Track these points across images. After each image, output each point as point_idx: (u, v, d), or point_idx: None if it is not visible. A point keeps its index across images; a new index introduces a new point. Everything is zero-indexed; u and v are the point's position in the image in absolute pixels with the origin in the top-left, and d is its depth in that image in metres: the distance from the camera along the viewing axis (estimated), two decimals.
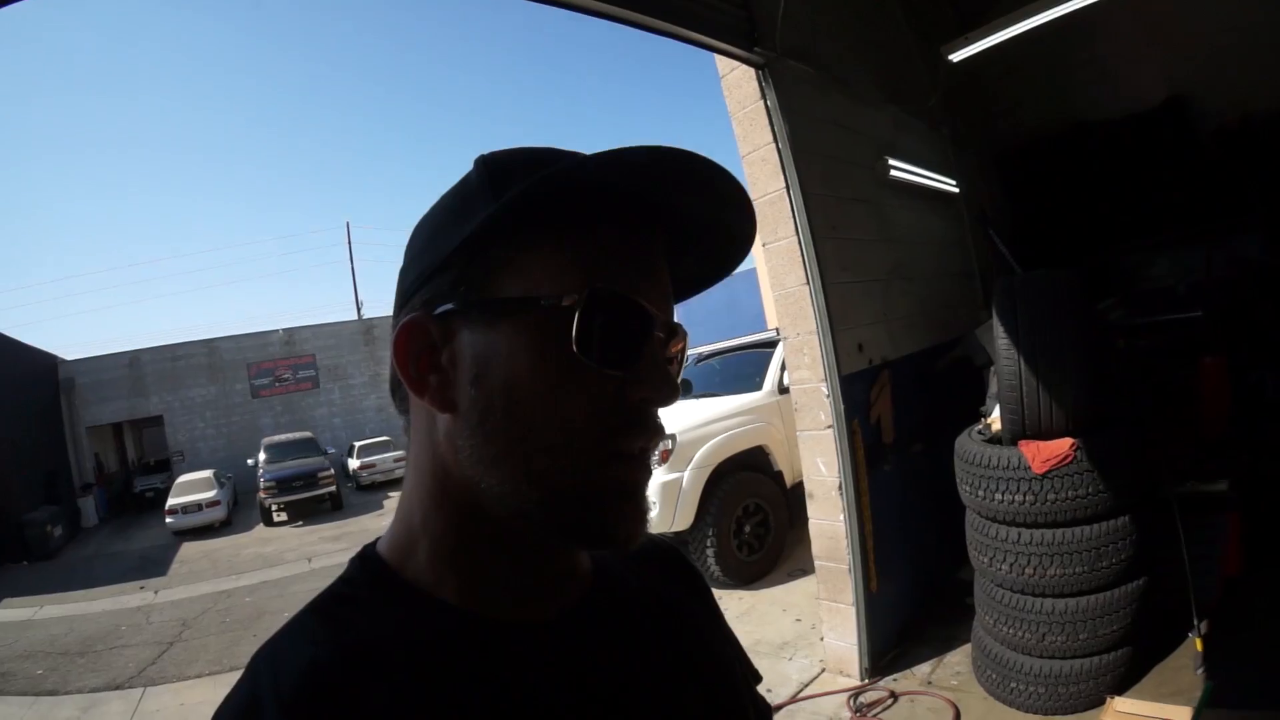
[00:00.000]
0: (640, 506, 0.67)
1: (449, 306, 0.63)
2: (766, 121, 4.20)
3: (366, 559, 0.71)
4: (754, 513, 6.61)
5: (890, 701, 4.01)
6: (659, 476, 6.24)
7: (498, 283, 0.62)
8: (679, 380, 0.72)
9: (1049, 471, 3.43)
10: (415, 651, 0.61)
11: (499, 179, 0.64)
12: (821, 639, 4.53)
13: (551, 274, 0.62)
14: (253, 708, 0.55)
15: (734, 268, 0.81)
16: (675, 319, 0.71)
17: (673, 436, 6.39)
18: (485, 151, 0.70)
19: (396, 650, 0.60)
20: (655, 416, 0.67)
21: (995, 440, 3.86)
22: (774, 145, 4.18)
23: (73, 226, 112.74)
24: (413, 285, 0.67)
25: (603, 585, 0.78)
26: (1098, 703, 3.44)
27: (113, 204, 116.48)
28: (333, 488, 19.22)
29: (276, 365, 29.72)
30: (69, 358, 27.33)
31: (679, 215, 0.67)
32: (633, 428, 0.64)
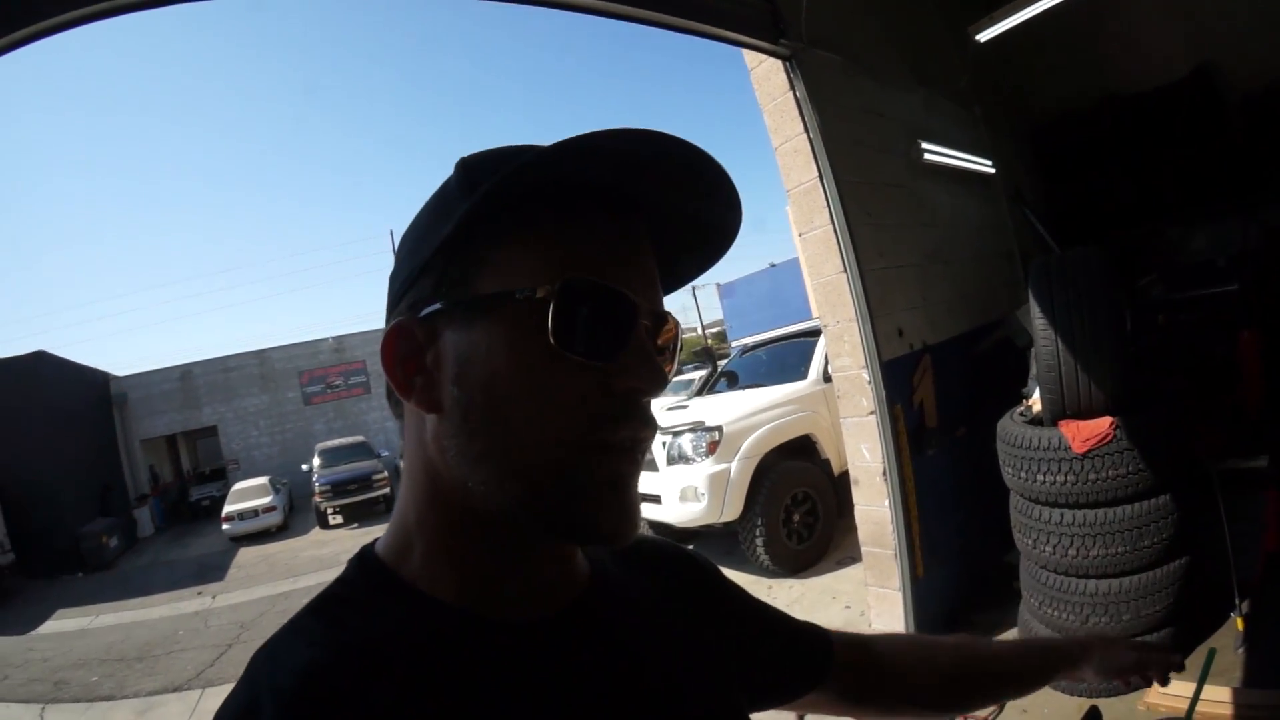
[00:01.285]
0: (628, 501, 0.66)
1: (432, 308, 0.64)
2: (797, 112, 4.19)
3: (364, 560, 0.72)
4: (802, 501, 6.62)
5: None
6: (707, 468, 6.29)
7: (476, 281, 0.63)
8: (670, 370, 0.71)
9: (1089, 451, 3.40)
10: (412, 651, 0.62)
11: (476, 178, 0.64)
12: (870, 625, 4.52)
13: (527, 267, 0.62)
14: (252, 709, 0.55)
15: (724, 251, 0.79)
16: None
17: (719, 428, 6.42)
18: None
19: (393, 650, 0.61)
20: (645, 408, 0.67)
21: (1036, 421, 3.84)
22: (805, 135, 4.17)
23: (117, 246, 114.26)
24: (400, 290, 0.68)
25: (599, 586, 0.78)
26: (1141, 684, 3.42)
27: (160, 220, 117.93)
28: (386, 490, 19.27)
29: (327, 372, 29.99)
30: (121, 374, 27.82)
31: (660, 201, 0.67)
32: (620, 419, 0.64)
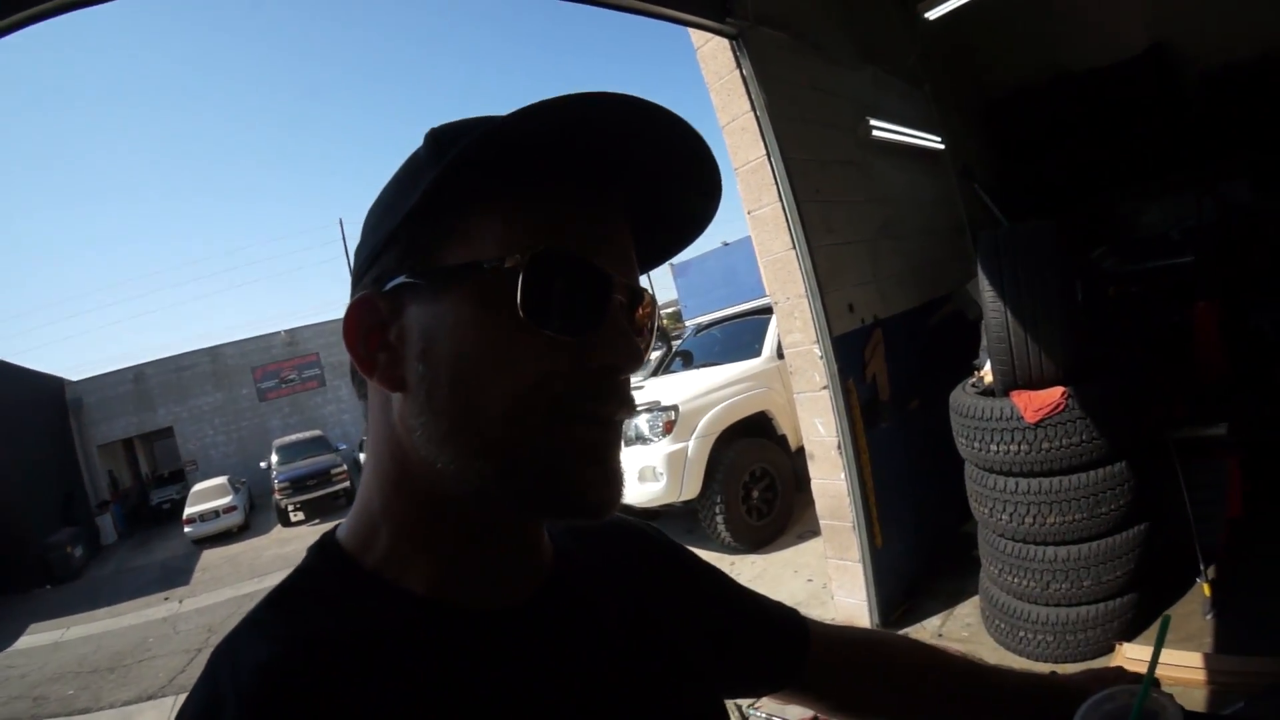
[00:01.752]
0: (611, 470, 0.64)
1: (397, 281, 0.61)
2: (743, 90, 4.17)
3: (325, 548, 0.68)
4: (761, 478, 6.65)
5: None
6: (664, 447, 6.30)
7: (443, 252, 0.60)
8: (648, 348, 0.69)
9: (1042, 420, 3.43)
10: (376, 643, 0.59)
11: (445, 148, 0.61)
12: (832, 597, 4.55)
13: (497, 238, 0.59)
14: (214, 706, 0.54)
15: (703, 228, 0.76)
16: (644, 286, 0.67)
17: (675, 407, 6.43)
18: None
19: (356, 642, 0.59)
20: (623, 385, 0.65)
21: (988, 392, 3.87)
22: (752, 113, 4.16)
23: (63, 248, 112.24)
24: (364, 263, 0.66)
25: (563, 569, 0.76)
26: (1107, 650, 3.46)
27: (102, 222, 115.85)
28: (346, 483, 19.12)
29: (281, 367, 29.72)
30: (75, 379, 27.43)
31: (639, 174, 0.65)
32: (597, 396, 0.62)
